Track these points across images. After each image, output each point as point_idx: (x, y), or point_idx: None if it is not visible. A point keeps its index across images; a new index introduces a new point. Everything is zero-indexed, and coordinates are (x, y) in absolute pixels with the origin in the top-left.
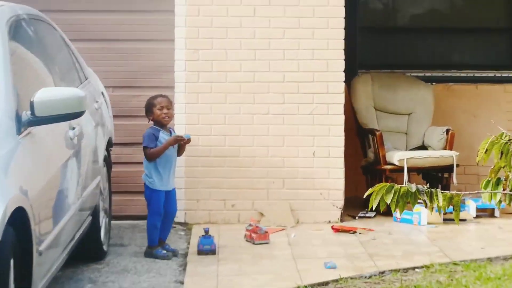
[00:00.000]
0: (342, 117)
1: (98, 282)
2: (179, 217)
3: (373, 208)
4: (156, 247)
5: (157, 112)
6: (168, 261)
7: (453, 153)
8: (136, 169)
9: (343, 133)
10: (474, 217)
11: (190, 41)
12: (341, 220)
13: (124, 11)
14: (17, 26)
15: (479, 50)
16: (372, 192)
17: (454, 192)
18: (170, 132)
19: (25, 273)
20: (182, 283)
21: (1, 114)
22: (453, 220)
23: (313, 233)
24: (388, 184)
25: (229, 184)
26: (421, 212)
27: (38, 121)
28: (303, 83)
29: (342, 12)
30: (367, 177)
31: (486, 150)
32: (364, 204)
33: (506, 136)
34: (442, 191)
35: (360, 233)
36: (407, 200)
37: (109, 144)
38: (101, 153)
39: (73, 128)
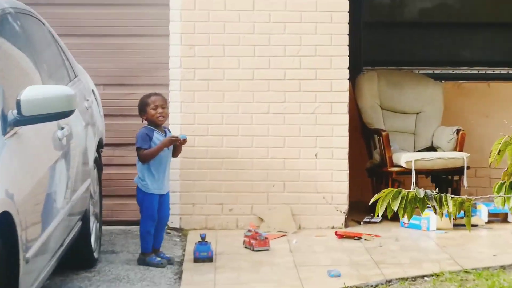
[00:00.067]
0: (346, 117)
1: None
2: (174, 222)
3: (382, 214)
4: (149, 254)
5: (151, 112)
6: (162, 269)
7: (463, 155)
8: (128, 171)
9: (347, 134)
10: (486, 222)
11: (186, 36)
12: (345, 226)
13: (116, 5)
14: (2, 20)
15: (491, 46)
16: (379, 198)
17: (465, 197)
18: (165, 132)
19: (11, 282)
20: None
21: None
22: (463, 225)
23: (315, 239)
24: (395, 189)
25: (227, 188)
26: (430, 217)
27: (25, 120)
28: (305, 80)
29: (346, 5)
30: (373, 180)
31: (499, 151)
32: (369, 209)
33: None
34: (452, 195)
35: (365, 239)
36: (415, 205)
37: (100, 145)
38: (92, 154)
39: (62, 128)
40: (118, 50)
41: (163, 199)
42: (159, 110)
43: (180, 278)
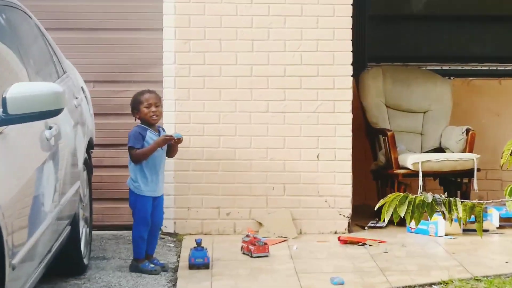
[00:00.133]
0: (350, 116)
1: None
2: (168, 227)
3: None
4: (143, 260)
5: (144, 110)
6: (156, 276)
7: (473, 156)
8: (120, 173)
9: (350, 134)
10: (497, 228)
11: (180, 30)
12: (349, 231)
13: None
14: None
15: (502, 41)
16: (384, 203)
17: (475, 201)
18: (159, 132)
19: None
20: None
21: None
22: (473, 230)
23: (317, 245)
24: (402, 194)
25: (224, 191)
26: (438, 221)
27: (10, 119)
28: (306, 77)
29: None
30: (378, 182)
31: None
32: (374, 213)
33: None
34: (462, 200)
35: (370, 245)
36: (423, 211)
37: (90, 146)
38: (81, 155)
39: (50, 128)
40: (109, 45)
41: (157, 202)
42: (153, 108)
43: (174, 285)
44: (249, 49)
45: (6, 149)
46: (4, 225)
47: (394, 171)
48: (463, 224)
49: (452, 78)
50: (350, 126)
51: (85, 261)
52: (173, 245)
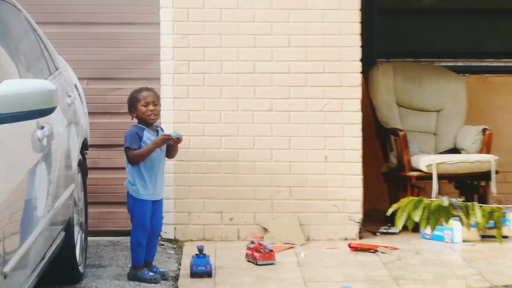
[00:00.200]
0: (359, 115)
1: None
2: (168, 233)
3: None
4: (141, 268)
5: (142, 109)
6: (155, 285)
7: (491, 157)
8: (116, 175)
9: (360, 134)
10: None
11: (179, 24)
12: (360, 237)
13: None
14: None
15: None
16: (398, 208)
17: (495, 205)
18: (157, 132)
19: None
20: None
21: None
22: (492, 236)
23: (326, 252)
24: (416, 198)
25: (227, 194)
26: (454, 227)
27: (0, 119)
28: (312, 74)
29: None
30: (389, 185)
31: None
32: (386, 218)
33: None
34: (481, 204)
35: (382, 252)
36: (439, 216)
37: (84, 146)
38: (75, 156)
39: (42, 128)
40: (104, 40)
41: (156, 206)
42: (151, 107)
43: None
44: (251, 45)
45: None
46: None
47: (407, 174)
48: (481, 230)
49: (466, 75)
50: (360, 126)
51: (81, 269)
52: (173, 252)
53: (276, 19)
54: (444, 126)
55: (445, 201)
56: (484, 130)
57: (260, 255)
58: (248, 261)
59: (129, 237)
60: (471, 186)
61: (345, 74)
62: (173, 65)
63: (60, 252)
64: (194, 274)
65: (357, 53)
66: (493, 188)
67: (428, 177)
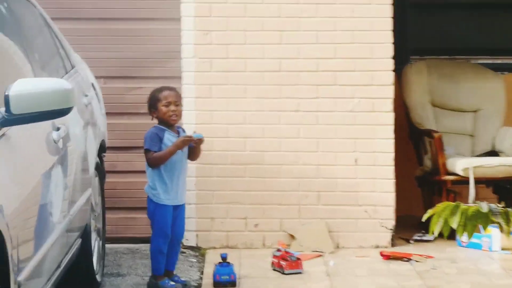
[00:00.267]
0: (391, 115)
1: None
2: (190, 240)
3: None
4: (162, 277)
5: (163, 109)
6: None
7: None
8: (136, 179)
9: (392, 135)
10: None
11: (200, 20)
12: (392, 245)
13: None
14: None
15: None
16: (433, 214)
17: None
18: (178, 133)
19: None
20: None
21: None
22: None
23: (356, 260)
24: (453, 203)
25: (251, 199)
26: (492, 235)
27: (14, 120)
28: (341, 72)
29: None
30: (424, 190)
31: None
32: (420, 225)
33: None
34: None
35: (416, 261)
36: (477, 222)
37: (102, 149)
38: (92, 159)
39: (58, 129)
40: (122, 36)
41: (178, 211)
42: (172, 107)
43: None
44: (277, 41)
45: (9, 152)
46: (9, 238)
47: (442, 178)
48: None
49: (505, 73)
50: (392, 127)
51: (98, 278)
52: (195, 260)
53: (303, 14)
54: (481, 127)
55: (484, 206)
56: None
57: (286, 263)
58: (274, 270)
59: (149, 244)
60: (510, 191)
61: (376, 72)
62: (195, 63)
63: (77, 260)
64: (217, 284)
65: (389, 50)
66: None
67: (464, 181)
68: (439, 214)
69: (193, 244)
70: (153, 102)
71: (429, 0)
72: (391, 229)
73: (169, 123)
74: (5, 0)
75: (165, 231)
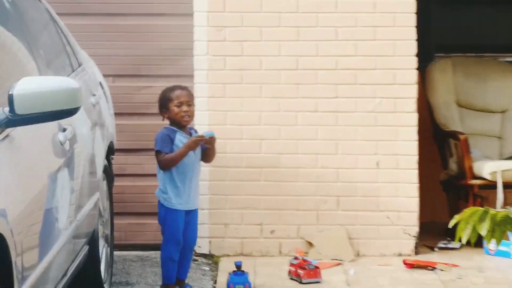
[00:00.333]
0: (415, 116)
1: None
2: (203, 247)
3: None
4: (173, 286)
5: (175, 110)
6: None
7: None
8: (145, 183)
9: (416, 137)
10: None
11: (214, 15)
12: (416, 253)
13: None
14: None
15: None
16: (460, 220)
17: None
18: (191, 134)
19: None
20: None
21: None
22: None
23: (378, 269)
24: (481, 209)
25: (267, 204)
26: None
27: (18, 120)
28: (362, 71)
29: None
30: (449, 195)
31: None
32: (445, 231)
33: None
34: None
35: (441, 270)
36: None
37: (110, 151)
38: (100, 162)
39: (64, 130)
40: (131, 32)
41: (190, 217)
42: (184, 107)
43: None
44: (294, 38)
45: (13, 154)
46: (13, 245)
47: (468, 182)
48: None
49: None
50: (415, 128)
51: (106, 286)
52: (208, 269)
53: (322, 9)
54: (510, 129)
55: None
56: None
57: (304, 272)
58: (291, 278)
59: (159, 251)
60: None
61: (399, 70)
62: (208, 60)
63: (84, 268)
64: None
65: (413, 47)
66: None
67: (492, 185)
68: (467, 220)
69: (206, 252)
70: (164, 102)
71: None
72: (414, 236)
73: (181, 124)
74: None
75: (177, 237)
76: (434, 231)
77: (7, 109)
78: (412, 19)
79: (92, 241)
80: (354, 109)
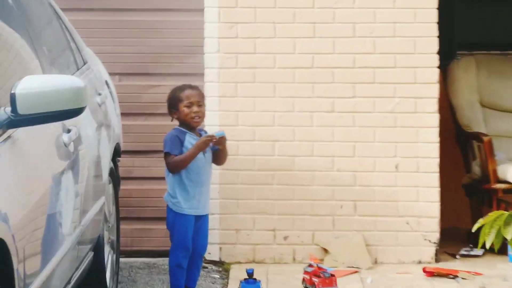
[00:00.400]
0: (436, 117)
1: None
2: (213, 254)
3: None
4: None
5: (184, 110)
6: None
7: None
8: (153, 186)
9: (437, 139)
10: None
11: (226, 11)
12: (436, 260)
13: None
14: None
15: None
16: (484, 224)
17: None
18: (201, 135)
19: None
20: None
21: None
22: None
23: (397, 277)
24: (506, 213)
25: (280, 209)
26: None
27: (20, 121)
28: (380, 69)
29: None
30: (472, 199)
31: None
32: (468, 238)
33: None
34: None
35: (463, 278)
36: None
37: (117, 153)
38: (106, 164)
39: (69, 131)
40: (139, 29)
41: (200, 222)
42: (195, 108)
43: None
44: (310, 35)
45: (15, 157)
46: (14, 251)
47: (492, 186)
48: None
49: None
50: (437, 130)
51: None
52: (218, 276)
53: (338, 4)
54: None
55: None
56: None
57: (319, 280)
58: (306, 287)
59: (168, 258)
60: None
61: (419, 69)
62: (219, 58)
63: (88, 275)
64: None
65: (434, 44)
66: None
67: None
68: (491, 224)
69: (216, 259)
70: (174, 102)
71: None
72: (435, 242)
73: (191, 125)
74: None
75: (186, 243)
76: (455, 237)
77: (9, 109)
78: (434, 15)
79: (97, 248)
80: (372, 110)
